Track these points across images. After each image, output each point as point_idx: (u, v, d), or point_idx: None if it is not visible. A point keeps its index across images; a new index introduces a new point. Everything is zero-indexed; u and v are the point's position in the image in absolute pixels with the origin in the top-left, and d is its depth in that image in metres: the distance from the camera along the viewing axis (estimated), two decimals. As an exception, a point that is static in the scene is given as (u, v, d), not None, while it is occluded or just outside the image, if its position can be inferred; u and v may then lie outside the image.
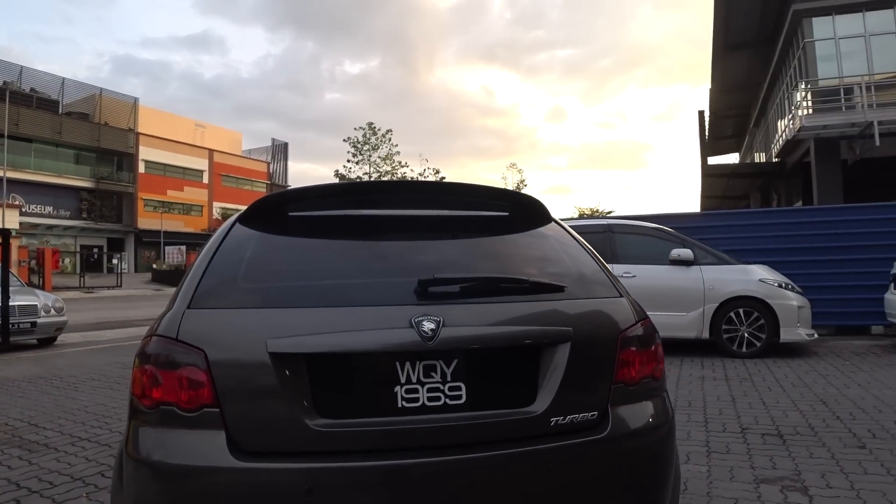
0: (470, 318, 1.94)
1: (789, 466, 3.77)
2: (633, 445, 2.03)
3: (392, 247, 2.25)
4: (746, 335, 8.22)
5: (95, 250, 46.52)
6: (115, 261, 42.13)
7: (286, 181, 66.34)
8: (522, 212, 2.45)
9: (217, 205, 57.73)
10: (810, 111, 18.83)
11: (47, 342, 10.83)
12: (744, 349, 8.20)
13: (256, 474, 1.73)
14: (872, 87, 18.29)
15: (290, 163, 67.05)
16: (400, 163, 43.22)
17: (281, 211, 2.27)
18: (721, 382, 6.53)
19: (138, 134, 51.08)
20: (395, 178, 41.87)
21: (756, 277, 8.44)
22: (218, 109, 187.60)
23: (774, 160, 24.99)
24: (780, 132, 24.27)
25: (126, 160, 50.83)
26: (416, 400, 1.84)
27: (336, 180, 41.72)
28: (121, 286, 34.07)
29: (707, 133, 30.47)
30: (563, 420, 1.93)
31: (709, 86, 29.63)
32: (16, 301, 10.17)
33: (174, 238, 50.02)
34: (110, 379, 7.12)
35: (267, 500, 1.73)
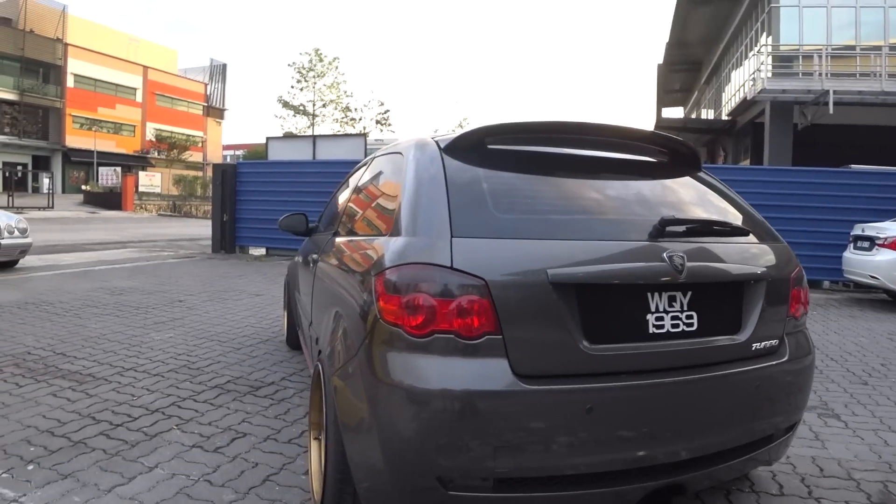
0: (701, 254, 2.21)
1: (815, 398, 4.22)
2: (799, 368, 2.41)
3: (604, 186, 2.50)
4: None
5: (20, 168, 43.77)
6: (45, 180, 39.73)
7: (224, 104, 63.86)
8: (681, 158, 2.78)
9: (151, 125, 55.05)
10: (770, 74, 19.35)
11: (7, 265, 10.29)
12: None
13: (541, 396, 1.87)
14: (829, 57, 18.93)
15: (227, 84, 64.38)
16: (345, 92, 42.10)
17: (483, 143, 2.39)
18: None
19: (67, 45, 47.76)
20: (339, 108, 40.95)
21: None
22: (150, 23, 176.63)
23: (725, 118, 25.68)
24: (734, 91, 24.88)
25: (53, 72, 47.63)
26: (663, 327, 2.08)
27: (279, 105, 40.58)
28: (52, 207, 32.47)
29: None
30: (759, 346, 2.27)
31: (664, 38, 29.91)
32: (-24, 221, 9.58)
33: (106, 158, 47.54)
34: (108, 306, 6.90)
35: (551, 420, 1.88)
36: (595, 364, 1.95)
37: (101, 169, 45.12)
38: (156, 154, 54.30)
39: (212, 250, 13.99)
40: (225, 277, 9.81)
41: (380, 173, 2.98)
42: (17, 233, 10.09)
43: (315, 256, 3.42)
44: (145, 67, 55.07)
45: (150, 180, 44.20)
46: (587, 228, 2.17)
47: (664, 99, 37.18)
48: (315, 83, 41.30)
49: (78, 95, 48.88)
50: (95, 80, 50.64)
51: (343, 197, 3.66)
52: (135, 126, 54.48)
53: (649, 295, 2.08)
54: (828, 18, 20.07)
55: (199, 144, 59.76)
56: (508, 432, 1.84)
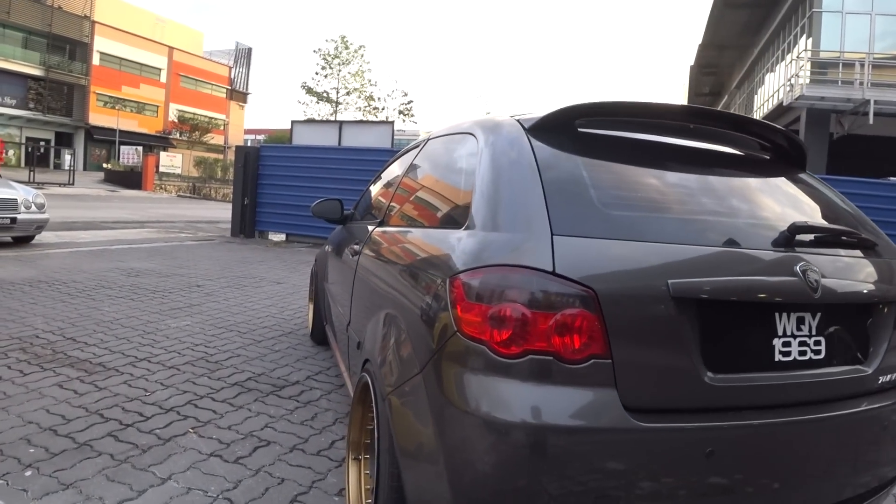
0: (831, 269, 1.85)
1: None
2: None
3: (715, 182, 2.12)
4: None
5: (42, 144, 43.90)
6: (67, 156, 39.65)
7: (247, 88, 63.84)
8: (787, 154, 2.41)
9: (174, 106, 55.05)
10: (808, 81, 18.80)
11: (23, 241, 10.04)
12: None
13: (657, 435, 1.50)
14: (871, 66, 18.34)
15: (252, 69, 64.32)
16: (369, 81, 41.68)
17: (573, 125, 2.02)
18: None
19: (94, 22, 47.76)
20: (363, 96, 40.58)
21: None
22: (177, 3, 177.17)
23: (757, 124, 25.11)
24: (768, 97, 24.34)
25: (80, 49, 47.64)
26: (789, 354, 1.74)
27: (303, 92, 40.28)
28: (73, 184, 32.37)
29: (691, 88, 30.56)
30: (885, 380, 1.93)
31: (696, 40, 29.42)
32: (-8, 194, 9.30)
33: (128, 137, 47.61)
34: (123, 288, 6.60)
35: (666, 465, 1.52)
36: (716, 397, 1.60)
37: (122, 148, 45.13)
38: (177, 135, 54.31)
39: (231, 234, 13.72)
40: (244, 263, 9.50)
41: (441, 156, 2.61)
42: (34, 208, 9.84)
43: (356, 247, 3.06)
44: (171, 48, 55.01)
45: (170, 161, 44.14)
46: (707, 232, 1.79)
47: (694, 102, 36.70)
48: (340, 70, 40.94)
49: (103, 73, 48.87)
50: (121, 58, 50.64)
51: (390, 182, 3.28)
52: (158, 106, 54.45)
53: (776, 315, 1.73)
54: (871, 26, 19.43)
55: (221, 127, 59.78)
56: (614, 479, 1.48)
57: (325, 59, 40.65)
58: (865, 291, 1.92)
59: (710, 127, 2.30)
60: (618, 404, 1.49)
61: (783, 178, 2.33)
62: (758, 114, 25.62)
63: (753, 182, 2.23)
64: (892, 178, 12.13)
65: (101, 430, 2.97)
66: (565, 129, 2.00)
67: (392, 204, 2.94)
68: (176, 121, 54.31)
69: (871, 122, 17.01)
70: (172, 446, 2.86)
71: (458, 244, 1.79)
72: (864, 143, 19.05)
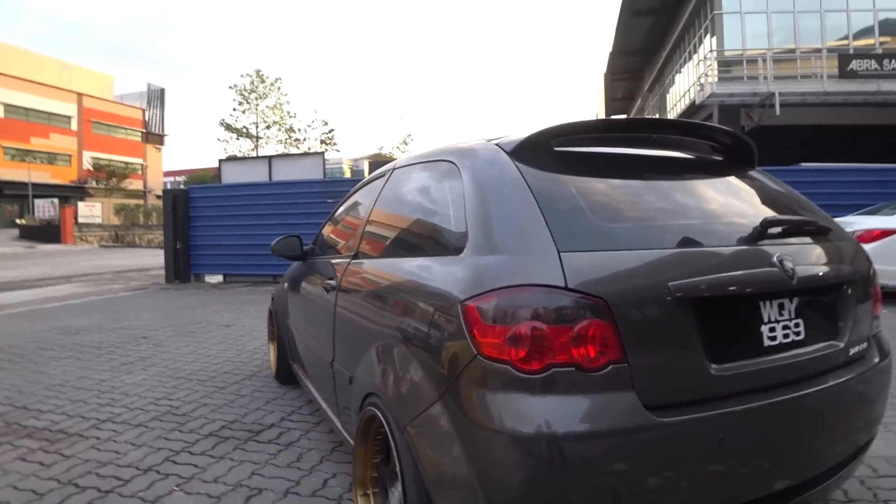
0: (802, 257, 2.04)
1: None
2: (886, 367, 2.24)
3: (686, 186, 2.27)
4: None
5: (-52, 203, 41.78)
6: (-22, 215, 37.90)
7: (163, 129, 62.30)
8: (737, 154, 2.58)
9: (87, 153, 53.20)
10: (716, 79, 19.77)
11: (-58, 307, 9.52)
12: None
13: (675, 429, 1.61)
14: (772, 60, 19.44)
15: (166, 110, 62.86)
16: (288, 113, 41.38)
17: (549, 145, 2.12)
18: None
19: (-5, 74, 45.93)
20: (283, 129, 40.15)
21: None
22: (83, 50, 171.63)
23: (672, 124, 26.12)
24: (680, 97, 25.38)
25: (-19, 103, 45.69)
26: (775, 338, 1.89)
27: (222, 129, 39.60)
28: (-15, 243, 30.89)
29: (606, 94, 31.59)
30: (855, 351, 2.12)
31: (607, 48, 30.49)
32: None
33: (41, 190, 45.74)
34: (65, 348, 6.32)
35: (684, 456, 1.64)
36: (721, 386, 1.74)
37: (37, 201, 43.26)
38: (94, 183, 52.49)
39: (166, 280, 13.31)
40: (186, 309, 9.24)
41: (416, 185, 2.63)
42: (-46, 273, 9.35)
43: (330, 282, 3.04)
44: (80, 94, 53.37)
45: (89, 211, 42.65)
46: (692, 234, 1.95)
47: (609, 107, 37.91)
48: (258, 105, 40.53)
49: (9, 126, 46.98)
50: (27, 109, 48.88)
51: (358, 215, 3.27)
52: (70, 155, 52.58)
53: (761, 304, 1.88)
54: (768, 24, 20.64)
55: (139, 172, 58.14)
56: (639, 474, 1.59)
57: (241, 94, 40.21)
58: (832, 273, 2.10)
59: (670, 135, 2.47)
60: (637, 404, 1.59)
61: (740, 177, 2.49)
62: (671, 114, 26.66)
63: (716, 182, 2.39)
64: (802, 164, 12.82)
65: (80, 501, 2.83)
66: (544, 149, 2.10)
67: (366, 236, 2.93)
68: (91, 169, 52.50)
69: (777, 113, 17.99)
70: (159, 507, 2.76)
71: (462, 270, 1.84)
72: (773, 133, 20.06)
